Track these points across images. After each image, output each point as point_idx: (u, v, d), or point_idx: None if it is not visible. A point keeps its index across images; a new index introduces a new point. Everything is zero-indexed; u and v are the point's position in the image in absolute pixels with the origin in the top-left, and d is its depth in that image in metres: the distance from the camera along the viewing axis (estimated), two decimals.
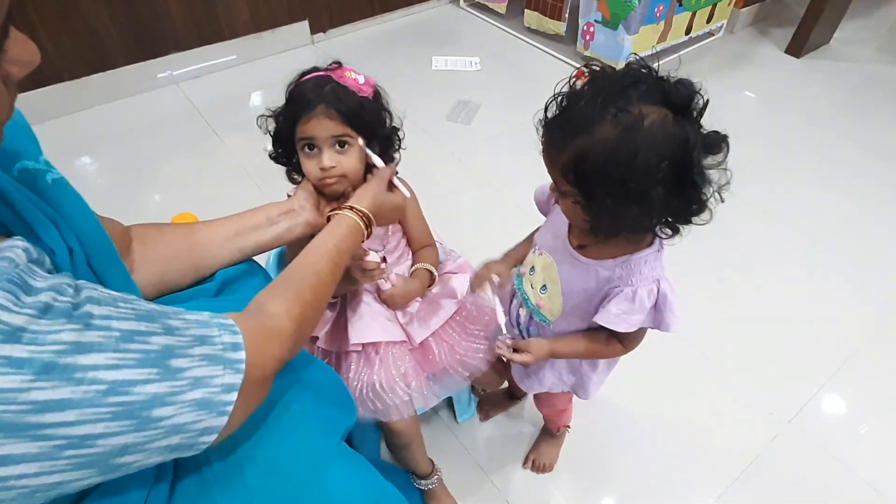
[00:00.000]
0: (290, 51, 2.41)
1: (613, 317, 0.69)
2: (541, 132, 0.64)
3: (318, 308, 0.62)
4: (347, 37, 2.54)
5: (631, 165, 0.55)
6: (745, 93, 2.35)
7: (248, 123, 2.06)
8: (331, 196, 0.87)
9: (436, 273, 0.95)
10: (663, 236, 0.66)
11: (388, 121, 0.87)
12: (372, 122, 0.83)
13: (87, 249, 0.51)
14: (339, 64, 0.84)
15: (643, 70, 0.60)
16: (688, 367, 1.34)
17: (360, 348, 0.90)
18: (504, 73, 2.36)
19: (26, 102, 1.90)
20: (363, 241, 0.74)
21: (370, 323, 0.90)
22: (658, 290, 0.68)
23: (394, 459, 1.06)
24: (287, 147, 0.86)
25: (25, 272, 0.39)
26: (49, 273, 0.42)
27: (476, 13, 2.74)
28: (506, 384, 1.19)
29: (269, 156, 0.90)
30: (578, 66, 2.33)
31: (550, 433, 1.14)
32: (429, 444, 1.04)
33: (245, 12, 2.21)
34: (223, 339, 0.47)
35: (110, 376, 0.39)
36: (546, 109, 0.64)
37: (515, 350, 0.77)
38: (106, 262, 0.53)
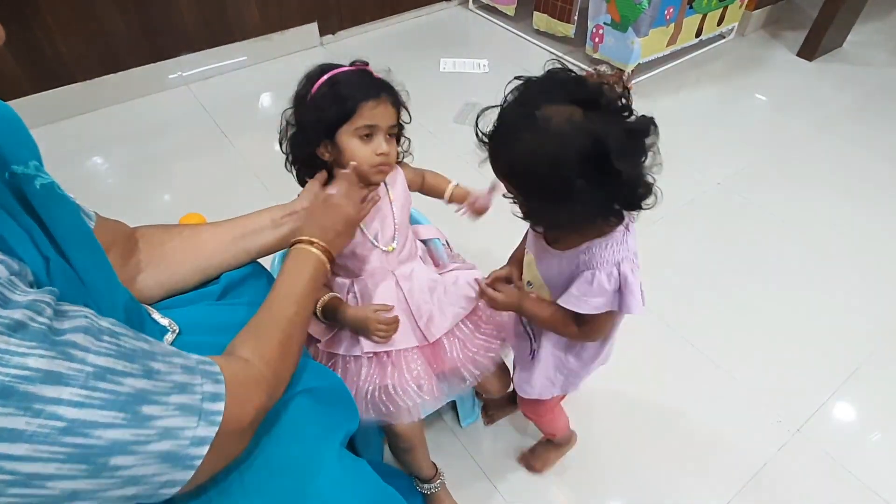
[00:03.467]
0: (300, 52, 2.42)
1: (574, 298, 0.71)
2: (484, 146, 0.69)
3: (295, 355, 0.62)
4: (356, 38, 2.55)
5: (547, 164, 0.59)
6: (756, 96, 2.32)
7: (256, 124, 2.10)
8: (373, 183, 0.90)
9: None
10: (609, 223, 0.68)
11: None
12: (400, 100, 0.89)
13: (70, 256, 0.49)
14: (365, 63, 0.88)
15: (560, 73, 0.63)
16: (695, 373, 1.33)
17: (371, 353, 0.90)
18: (513, 75, 2.35)
19: (40, 103, 1.95)
20: (322, 274, 0.72)
21: None
22: (619, 273, 0.68)
23: (397, 463, 1.05)
24: (317, 139, 0.85)
25: (5, 285, 0.37)
26: (30, 286, 0.40)
27: (485, 15, 2.74)
28: (511, 387, 1.19)
29: (289, 150, 0.89)
30: (587, 68, 2.32)
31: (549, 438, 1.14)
32: (432, 448, 1.04)
33: (255, 14, 2.23)
34: (204, 389, 0.45)
35: (71, 414, 0.36)
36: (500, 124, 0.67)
37: (492, 288, 0.81)
38: (92, 269, 0.52)
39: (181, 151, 1.91)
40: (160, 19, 2.02)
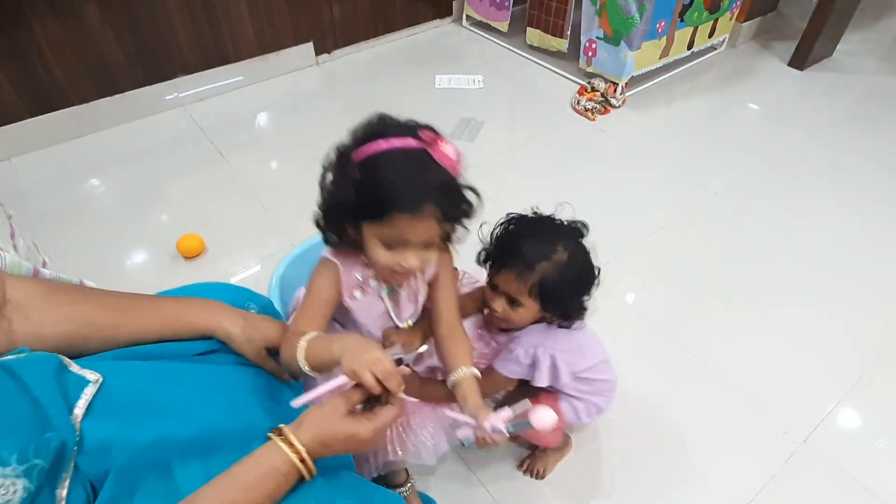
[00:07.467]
0: (296, 72, 2.44)
1: (500, 361, 0.96)
2: (489, 268, 0.91)
3: None
4: (351, 57, 2.57)
5: (581, 273, 0.87)
6: (748, 105, 2.34)
7: (253, 144, 2.10)
8: (392, 283, 0.83)
9: (478, 374, 0.81)
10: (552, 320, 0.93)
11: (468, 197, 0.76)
12: (462, 208, 0.74)
13: None
14: (434, 132, 0.71)
15: (548, 218, 0.91)
16: (697, 384, 1.32)
17: None
18: (507, 91, 2.38)
19: (36, 127, 1.94)
20: (289, 488, 0.56)
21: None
22: (534, 353, 0.92)
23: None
24: (343, 218, 0.73)
25: None
26: None
27: (479, 32, 2.77)
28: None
29: (317, 224, 0.77)
30: (581, 82, 2.34)
31: None
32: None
33: (251, 35, 2.24)
34: None
35: None
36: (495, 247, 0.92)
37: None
38: None
39: (179, 172, 1.91)
40: (155, 42, 2.03)
